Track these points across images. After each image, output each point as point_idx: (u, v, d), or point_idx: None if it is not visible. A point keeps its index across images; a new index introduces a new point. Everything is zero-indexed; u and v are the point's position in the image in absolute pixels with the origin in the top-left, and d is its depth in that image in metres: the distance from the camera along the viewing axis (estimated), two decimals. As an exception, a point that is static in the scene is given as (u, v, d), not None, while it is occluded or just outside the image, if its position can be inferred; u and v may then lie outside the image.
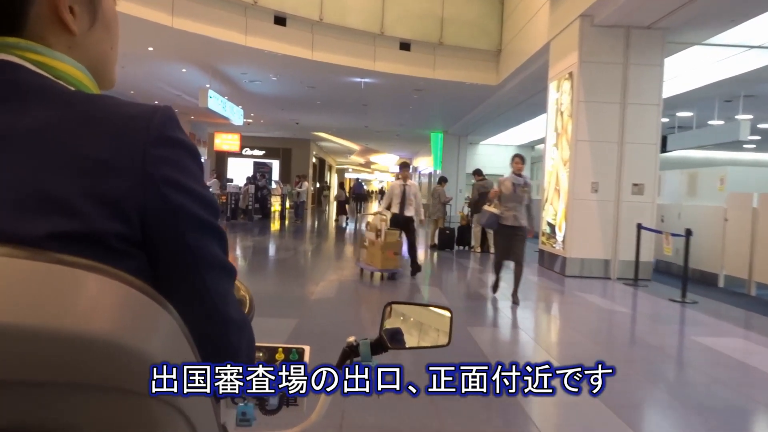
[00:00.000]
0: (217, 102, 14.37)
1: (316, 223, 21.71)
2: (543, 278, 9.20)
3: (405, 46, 13.58)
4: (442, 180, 13.13)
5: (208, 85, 14.04)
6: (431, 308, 1.05)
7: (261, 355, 1.05)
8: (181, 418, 0.54)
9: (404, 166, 8.83)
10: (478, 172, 12.31)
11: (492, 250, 12.34)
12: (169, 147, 0.61)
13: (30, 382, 0.45)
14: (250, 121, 24.05)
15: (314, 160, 35.86)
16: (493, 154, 28.05)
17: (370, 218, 9.16)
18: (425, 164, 33.92)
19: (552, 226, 9.67)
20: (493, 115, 18.46)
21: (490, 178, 12.34)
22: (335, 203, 22.78)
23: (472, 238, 12.96)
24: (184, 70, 14.01)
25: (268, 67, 13.51)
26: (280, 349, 1.07)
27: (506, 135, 25.50)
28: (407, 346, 1.00)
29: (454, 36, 13.83)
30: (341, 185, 24.23)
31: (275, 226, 18.99)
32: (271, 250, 12.58)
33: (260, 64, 13.19)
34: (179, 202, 0.61)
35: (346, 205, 21.94)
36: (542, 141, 26.89)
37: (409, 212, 8.35)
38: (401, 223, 8.32)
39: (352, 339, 1.00)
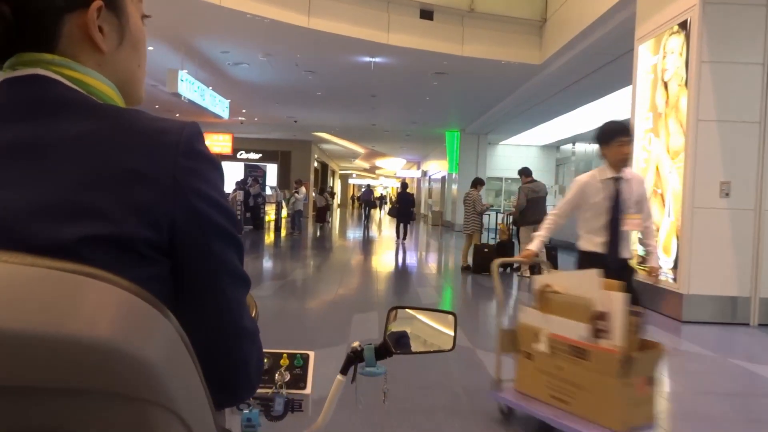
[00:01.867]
0: (191, 87, 11.54)
1: (318, 234, 18.85)
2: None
3: (427, 14, 10.77)
4: (477, 183, 10.24)
5: (185, 71, 11.20)
6: (435, 312, 1.06)
7: (266, 360, 1.03)
8: (178, 422, 0.53)
9: (620, 131, 3.50)
10: (525, 172, 9.46)
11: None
12: (197, 160, 0.64)
13: (31, 387, 0.46)
14: (243, 119, 21.42)
15: (316, 164, 33.21)
16: (513, 156, 25.22)
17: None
18: (436, 167, 31.14)
19: (652, 247, 6.78)
20: (524, 106, 15.62)
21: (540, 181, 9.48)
22: (314, 209, 20.33)
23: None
24: (151, 48, 11.19)
25: (253, 41, 10.69)
26: (285, 355, 1.07)
27: (526, 135, 22.70)
28: (412, 350, 1.01)
29: (487, 1, 11.01)
30: (321, 191, 21.48)
31: (268, 238, 16.13)
32: (260, 279, 9.69)
33: (243, 37, 10.37)
34: (206, 212, 0.64)
35: (327, 212, 20.05)
36: (570, 140, 24.13)
37: (627, 251, 3.56)
38: (612, 273, 3.02)
39: (356, 344, 1.01)
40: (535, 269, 9.35)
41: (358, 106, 17.33)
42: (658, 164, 6.74)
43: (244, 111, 19.60)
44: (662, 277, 6.23)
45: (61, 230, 0.55)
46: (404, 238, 15.69)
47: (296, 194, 16.90)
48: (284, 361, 1.05)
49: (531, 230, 9.24)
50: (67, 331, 0.45)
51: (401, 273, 10.61)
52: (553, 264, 9.54)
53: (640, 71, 7.23)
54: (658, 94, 6.79)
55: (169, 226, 0.61)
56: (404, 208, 15.67)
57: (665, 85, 6.63)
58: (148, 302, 0.51)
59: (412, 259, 12.85)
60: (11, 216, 0.55)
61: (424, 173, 36.71)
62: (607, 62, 10.39)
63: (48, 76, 0.64)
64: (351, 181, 60.79)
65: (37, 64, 0.64)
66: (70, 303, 0.47)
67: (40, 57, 0.64)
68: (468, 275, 9.67)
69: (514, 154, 25.25)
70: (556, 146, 25.29)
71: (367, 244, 16.21)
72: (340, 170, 50.79)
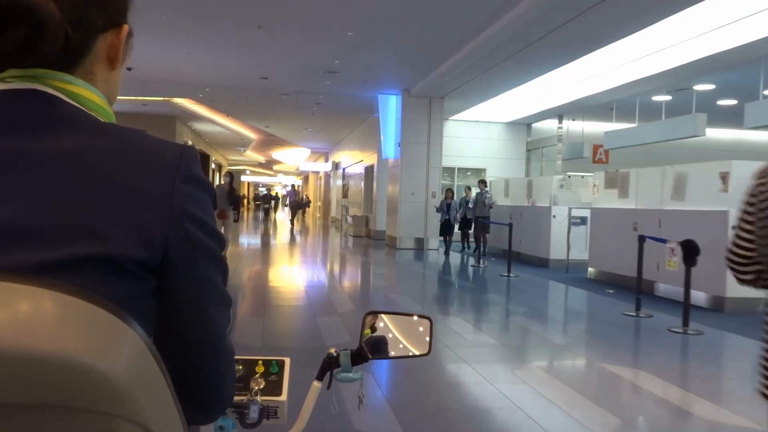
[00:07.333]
0: None
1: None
2: None
3: None
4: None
5: None
6: (411, 317, 1.03)
7: (240, 368, 1.02)
8: None
9: None
10: None
11: None
12: (193, 184, 0.65)
13: None
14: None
15: (189, 152, 24.23)
16: (469, 137, 17.84)
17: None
18: (353, 158, 23.36)
19: None
20: (528, 38, 8.04)
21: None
22: None
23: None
24: None
25: None
26: (260, 362, 1.05)
27: (486, 106, 15.44)
28: (387, 356, 1.00)
29: None
30: None
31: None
32: None
33: None
34: (198, 236, 0.65)
35: None
36: (551, 114, 16.25)
37: None
38: None
39: (332, 350, 1.01)
40: None
41: (231, 25, 9.11)
42: None
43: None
44: None
45: (53, 250, 0.54)
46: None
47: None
48: (259, 368, 1.05)
49: None
50: (24, 345, 0.43)
51: None
52: None
53: None
54: None
55: (162, 247, 0.61)
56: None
57: None
58: (112, 312, 0.48)
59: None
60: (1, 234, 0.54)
61: (336, 166, 28.77)
62: None
63: (43, 91, 0.62)
64: (245, 178, 51.65)
65: (33, 78, 0.62)
66: (27, 315, 0.45)
67: (38, 72, 0.62)
68: None
69: (471, 134, 17.88)
70: (526, 123, 18.22)
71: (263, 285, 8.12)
72: (230, 164, 41.53)
